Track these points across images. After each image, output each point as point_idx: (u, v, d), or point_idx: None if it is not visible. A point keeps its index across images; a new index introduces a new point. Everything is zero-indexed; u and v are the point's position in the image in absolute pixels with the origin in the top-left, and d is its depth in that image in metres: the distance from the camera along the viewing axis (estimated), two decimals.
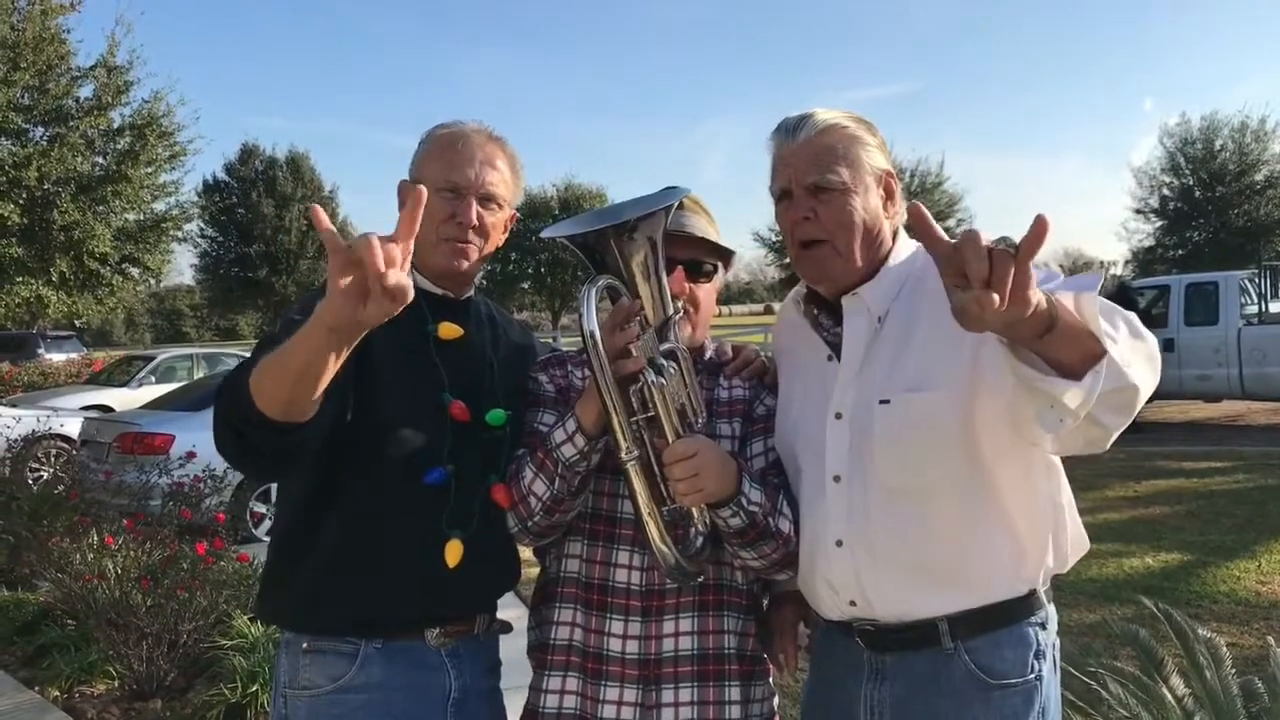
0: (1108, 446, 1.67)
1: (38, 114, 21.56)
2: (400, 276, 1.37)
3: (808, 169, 1.86)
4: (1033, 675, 1.86)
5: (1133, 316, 1.54)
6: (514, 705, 2.12)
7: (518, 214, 2.18)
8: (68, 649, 5.42)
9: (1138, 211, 42.23)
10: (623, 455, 1.76)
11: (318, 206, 1.43)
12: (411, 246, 1.43)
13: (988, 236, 1.33)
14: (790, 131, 1.89)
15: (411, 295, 1.40)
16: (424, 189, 1.45)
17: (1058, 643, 1.96)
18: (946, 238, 1.36)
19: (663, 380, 1.78)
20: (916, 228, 1.38)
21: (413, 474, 1.93)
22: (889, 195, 1.92)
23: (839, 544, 1.88)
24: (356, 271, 1.37)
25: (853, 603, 1.90)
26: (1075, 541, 1.94)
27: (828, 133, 1.87)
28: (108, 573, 5.23)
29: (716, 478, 1.81)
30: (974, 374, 1.76)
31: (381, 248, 1.35)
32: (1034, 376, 1.48)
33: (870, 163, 1.89)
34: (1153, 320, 14.44)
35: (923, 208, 1.37)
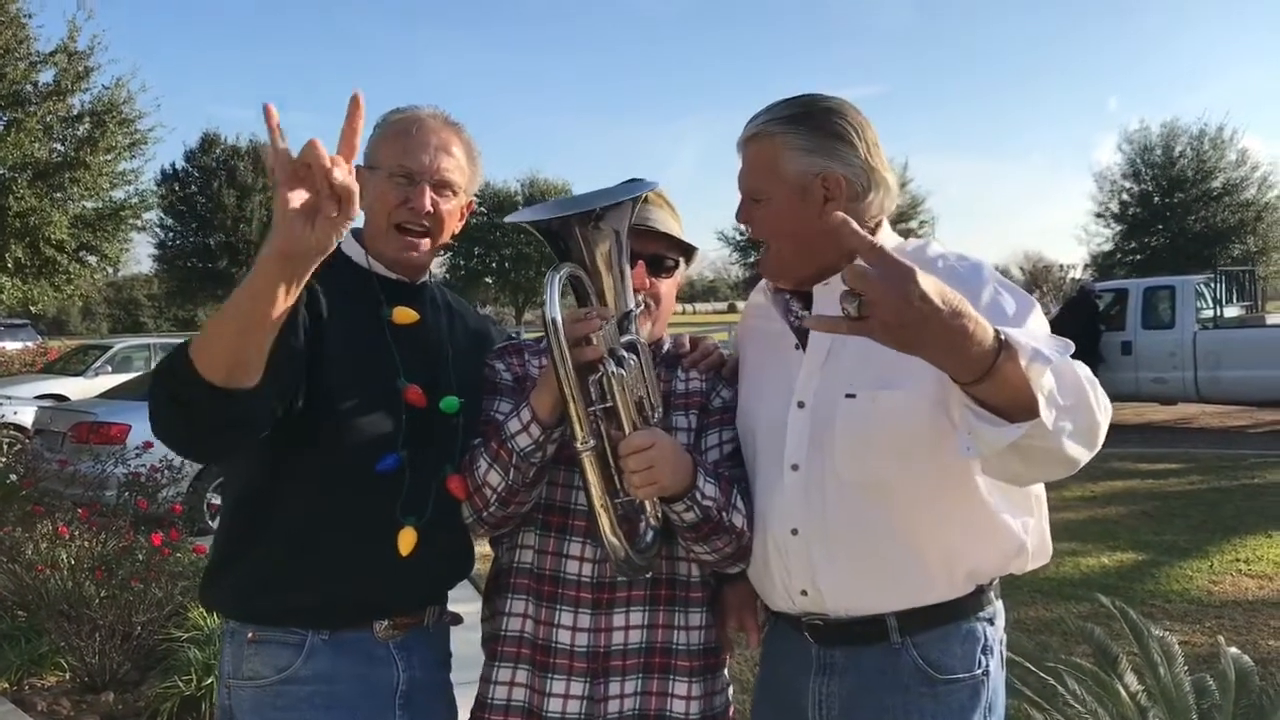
0: (1029, 484, 1.80)
1: None
2: (345, 175, 1.41)
3: (742, 180, 1.95)
4: (980, 670, 1.87)
5: (1100, 393, 1.57)
6: (467, 700, 2.09)
7: (476, 203, 2.14)
8: (18, 640, 5.32)
9: (1098, 215, 42.74)
10: (578, 445, 1.75)
11: (270, 104, 1.42)
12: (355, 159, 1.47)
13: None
14: (741, 137, 1.97)
15: (357, 207, 1.44)
16: (362, 95, 1.45)
17: (1004, 638, 1.97)
18: (867, 238, 1.39)
19: (622, 371, 1.78)
20: (839, 232, 1.41)
21: (365, 461, 1.89)
22: (830, 197, 1.86)
23: (794, 532, 1.88)
24: (306, 183, 1.40)
25: (804, 592, 1.90)
26: (1037, 549, 1.92)
27: (753, 142, 1.93)
28: (60, 563, 5.16)
29: (672, 471, 1.80)
30: (942, 376, 1.75)
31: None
32: (963, 398, 1.51)
33: (793, 169, 1.86)
34: (1111, 322, 14.66)
35: (843, 215, 1.42)
